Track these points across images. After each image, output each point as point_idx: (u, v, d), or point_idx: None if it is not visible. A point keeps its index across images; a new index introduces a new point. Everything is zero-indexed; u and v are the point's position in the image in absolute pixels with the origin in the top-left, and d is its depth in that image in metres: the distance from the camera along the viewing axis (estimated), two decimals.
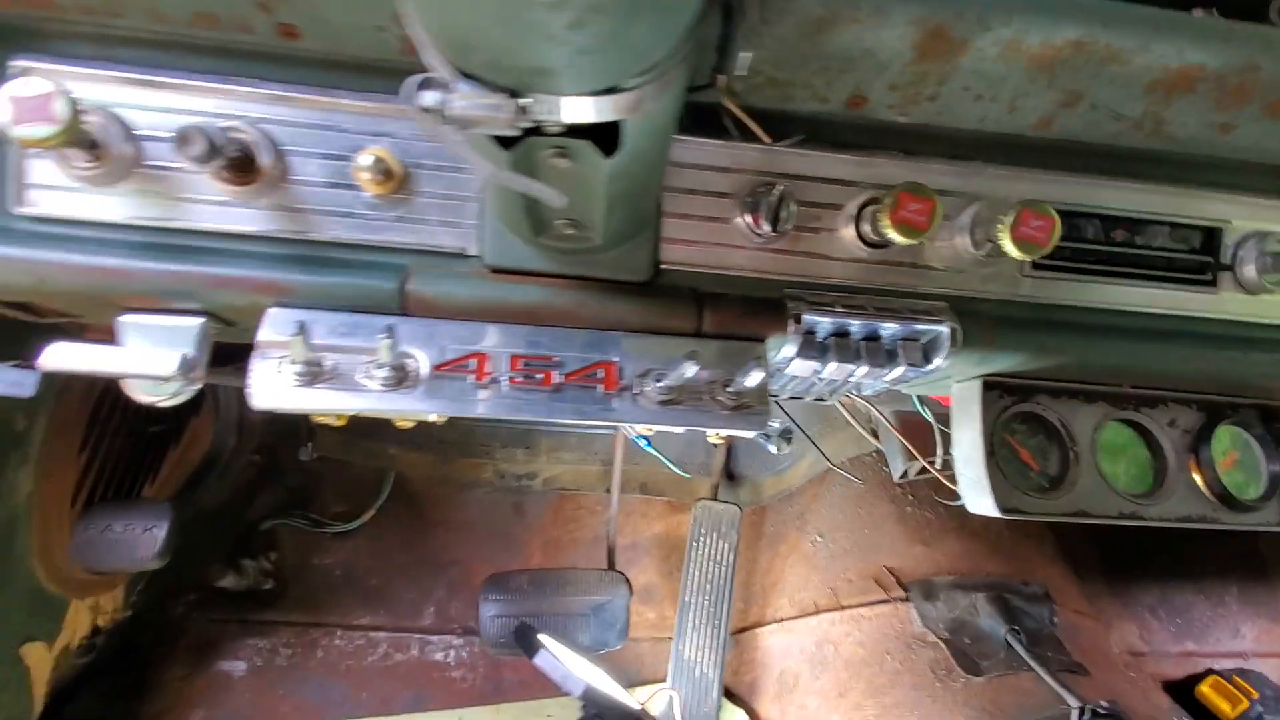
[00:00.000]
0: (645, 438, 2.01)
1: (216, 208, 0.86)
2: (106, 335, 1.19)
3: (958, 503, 1.42)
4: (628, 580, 1.64)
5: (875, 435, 1.97)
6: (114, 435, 1.59)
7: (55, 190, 0.84)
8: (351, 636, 1.98)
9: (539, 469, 2.26)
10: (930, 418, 1.36)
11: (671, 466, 2.16)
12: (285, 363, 0.83)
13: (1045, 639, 1.68)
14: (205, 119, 0.81)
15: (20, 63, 0.81)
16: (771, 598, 2.02)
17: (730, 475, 2.28)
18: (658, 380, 0.90)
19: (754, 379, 0.88)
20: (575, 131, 0.59)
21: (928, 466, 1.38)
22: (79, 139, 0.78)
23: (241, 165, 0.84)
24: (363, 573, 2.08)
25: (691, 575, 1.96)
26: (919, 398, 1.41)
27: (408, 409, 0.85)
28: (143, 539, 1.38)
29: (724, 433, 0.92)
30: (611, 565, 1.76)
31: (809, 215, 0.98)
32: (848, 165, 0.97)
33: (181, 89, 0.84)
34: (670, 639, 2.04)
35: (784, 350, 0.98)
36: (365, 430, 2.18)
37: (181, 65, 0.84)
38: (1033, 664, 1.52)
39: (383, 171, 0.86)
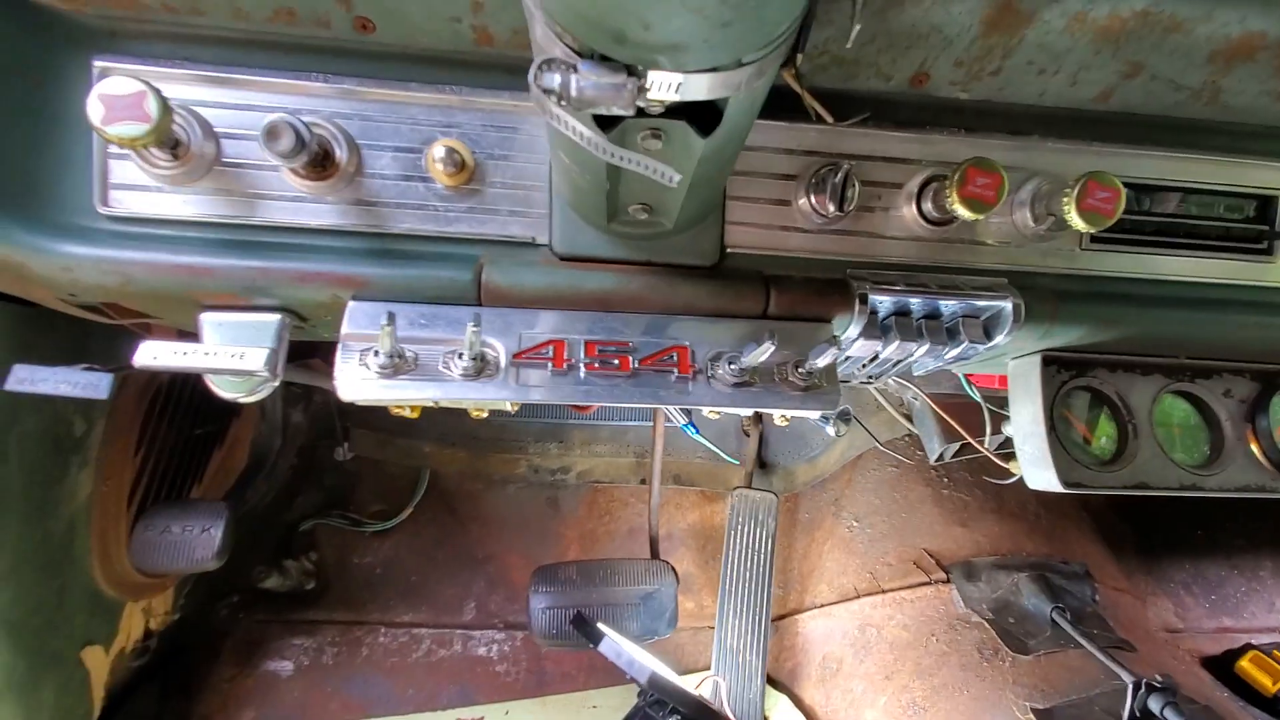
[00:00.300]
0: (694, 425, 2.03)
1: (293, 203, 0.87)
2: (169, 336, 1.21)
3: (1009, 481, 1.43)
4: (674, 569, 1.65)
5: (908, 418, 1.98)
6: (165, 437, 1.60)
7: (137, 190, 0.85)
8: (395, 634, 1.99)
9: (572, 463, 2.27)
10: (978, 397, 1.37)
11: (720, 453, 2.16)
12: (369, 355, 0.84)
13: (1089, 616, 1.69)
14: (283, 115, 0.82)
15: (102, 63, 0.82)
16: (810, 584, 2.03)
17: (762, 463, 2.29)
18: (730, 363, 0.91)
19: (826, 359, 0.89)
20: (673, 111, 0.61)
21: (978, 445, 1.39)
22: (166, 137, 0.79)
23: (319, 160, 0.85)
24: (402, 570, 2.10)
25: (731, 564, 1.97)
26: (965, 377, 1.42)
27: (489, 397, 0.86)
28: (200, 539, 1.39)
29: (795, 414, 0.93)
30: (655, 555, 1.77)
31: (869, 195, 0.99)
32: (909, 144, 0.98)
33: (257, 85, 0.86)
34: (709, 628, 2.06)
35: (849, 331, 1.00)
36: (400, 428, 2.20)
37: (257, 62, 0.85)
38: (1083, 641, 1.53)
39: (456, 163, 0.87)
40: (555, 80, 0.53)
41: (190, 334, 1.11)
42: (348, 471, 2.17)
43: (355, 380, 0.84)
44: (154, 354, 0.78)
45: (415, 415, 0.94)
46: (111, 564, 1.52)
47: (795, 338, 0.96)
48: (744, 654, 1.88)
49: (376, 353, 0.83)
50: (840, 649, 1.84)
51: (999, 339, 1.01)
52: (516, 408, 0.97)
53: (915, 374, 1.29)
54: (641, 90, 0.54)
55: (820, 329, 0.97)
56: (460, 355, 0.85)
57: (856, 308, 0.96)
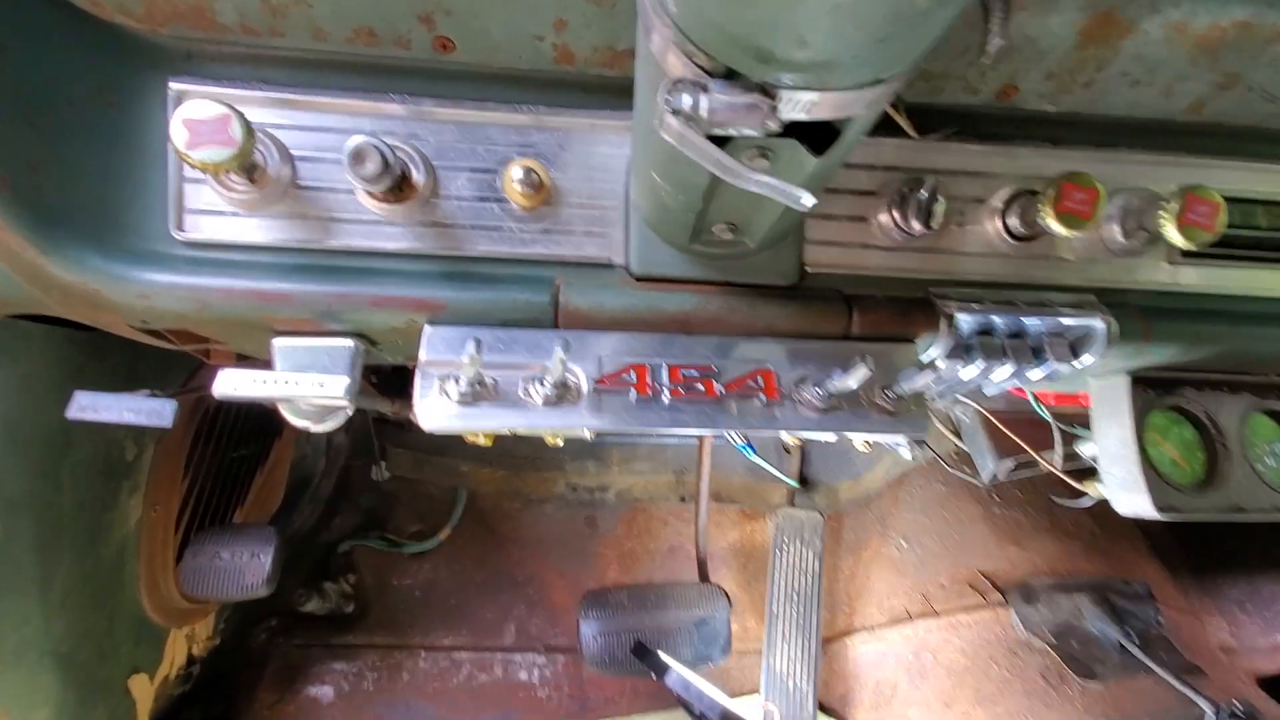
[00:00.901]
0: (751, 445, 1.99)
1: (368, 226, 0.86)
2: (228, 360, 1.19)
3: (1084, 504, 1.38)
4: (725, 593, 1.61)
5: (956, 434, 1.94)
6: (210, 460, 1.59)
7: (213, 215, 0.83)
8: (435, 658, 1.96)
9: (611, 481, 2.24)
10: (1047, 415, 1.33)
11: (776, 472, 2.11)
12: (449, 382, 0.82)
13: (1155, 640, 1.63)
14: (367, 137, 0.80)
15: (179, 85, 0.81)
16: (858, 605, 1.98)
17: (803, 480, 2.24)
18: (817, 386, 0.88)
19: (919, 383, 0.85)
20: (787, 130, 0.58)
21: (1050, 466, 1.34)
22: (248, 162, 0.77)
23: (397, 183, 0.83)
24: (441, 592, 2.07)
25: (777, 585, 1.93)
26: (1033, 394, 1.38)
27: (573, 425, 0.83)
28: (250, 565, 1.37)
29: (883, 439, 0.89)
30: (704, 578, 1.73)
31: (950, 210, 0.96)
32: (992, 158, 0.95)
33: (333, 107, 0.84)
34: (755, 651, 2.01)
35: (933, 351, 0.96)
36: (436, 447, 2.17)
37: (334, 84, 0.84)
38: (1155, 668, 1.47)
39: (534, 183, 0.85)
40: (686, 101, 0.50)
41: (249, 358, 1.10)
42: (385, 491, 2.15)
43: (437, 410, 0.81)
44: (234, 384, 0.76)
45: (489, 443, 0.92)
46: (158, 590, 1.50)
47: (878, 359, 0.93)
48: (793, 679, 1.83)
49: (457, 380, 0.81)
50: (894, 674, 1.79)
51: (1088, 358, 0.98)
52: (593, 434, 0.95)
53: (987, 393, 1.26)
54: (774, 110, 0.51)
55: (903, 350, 0.94)
56: (541, 381, 0.83)
57: (943, 327, 0.93)
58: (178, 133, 0.71)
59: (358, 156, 0.74)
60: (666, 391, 0.85)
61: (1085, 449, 1.32)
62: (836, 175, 0.93)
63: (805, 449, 2.23)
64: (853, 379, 0.82)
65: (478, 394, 0.82)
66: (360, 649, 1.93)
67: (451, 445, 2.16)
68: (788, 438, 2.09)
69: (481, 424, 0.81)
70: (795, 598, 1.90)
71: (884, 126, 0.92)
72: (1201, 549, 2.28)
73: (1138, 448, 1.01)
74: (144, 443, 1.36)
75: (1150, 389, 1.06)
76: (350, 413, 0.87)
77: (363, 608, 2.01)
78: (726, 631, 1.57)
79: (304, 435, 1.82)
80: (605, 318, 0.88)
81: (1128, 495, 1.04)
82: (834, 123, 0.60)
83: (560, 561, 2.16)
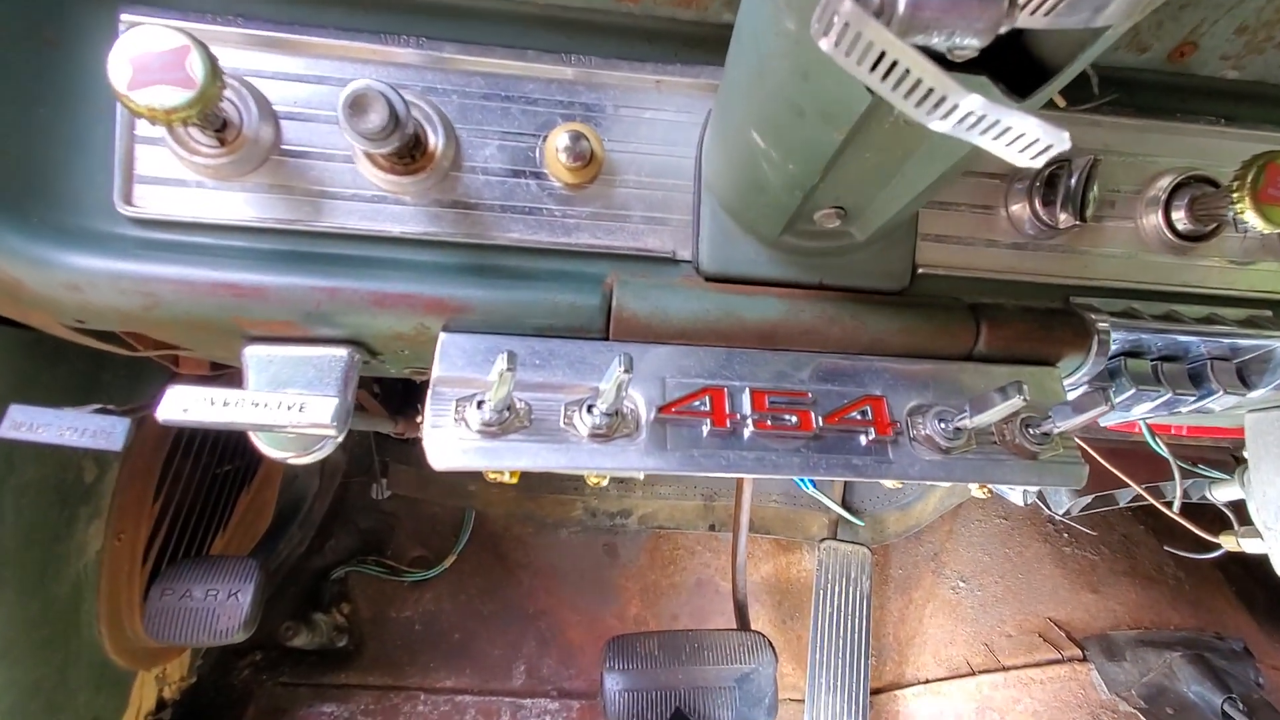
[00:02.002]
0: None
1: (371, 205, 0.67)
2: (201, 369, 1.01)
3: (1212, 555, 1.18)
4: (771, 644, 1.41)
5: None
6: (187, 480, 1.40)
7: (171, 185, 0.65)
8: (436, 701, 1.76)
9: (633, 506, 2.04)
10: (1164, 451, 1.13)
11: (830, 503, 1.90)
12: (469, 407, 0.63)
13: (1260, 706, 1.42)
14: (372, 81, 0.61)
15: (132, 18, 0.63)
16: (909, 653, 1.77)
17: (847, 509, 2.04)
18: (941, 420, 0.68)
19: (1080, 419, 0.65)
20: (978, 61, 0.39)
21: (1165, 510, 1.14)
22: (212, 113, 0.59)
23: (408, 148, 0.64)
24: (444, 626, 1.87)
25: (821, 628, 1.72)
26: (1146, 424, 1.18)
27: (628, 466, 0.64)
28: (226, 606, 1.17)
29: (1028, 491, 0.70)
30: (744, 624, 1.53)
31: (1100, 201, 0.77)
32: (1154, 135, 0.76)
33: (329, 50, 0.66)
34: (794, 700, 1.80)
35: (1078, 375, 0.77)
36: None
37: (330, 20, 0.66)
38: None
39: (582, 154, 0.66)
40: None
41: (226, 367, 0.90)
42: (384, 512, 1.96)
43: (451, 443, 0.62)
44: (184, 406, 0.57)
45: (514, 480, 0.73)
46: (122, 630, 1.31)
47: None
48: None
49: (481, 404, 0.62)
50: None
51: (1264, 389, 0.78)
52: (646, 475, 0.75)
53: (1104, 424, 1.06)
54: (1013, 5, 0.33)
55: (1042, 375, 0.75)
56: (589, 408, 0.63)
57: (1094, 346, 0.74)
58: (118, 69, 0.53)
59: (357, 105, 0.55)
60: (750, 424, 0.66)
61: (1220, 494, 1.13)
62: None
63: None
64: (999, 410, 0.63)
65: (506, 423, 0.63)
66: (353, 689, 1.73)
67: None
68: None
69: (510, 462, 0.62)
70: (840, 643, 1.69)
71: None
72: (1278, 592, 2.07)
73: None
74: (106, 463, 1.17)
75: None
76: (340, 440, 0.68)
77: (357, 642, 1.81)
78: (773, 690, 1.36)
79: None
80: (670, 327, 0.69)
81: None
82: (1040, 54, 0.42)
83: (576, 594, 1.95)
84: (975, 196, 0.76)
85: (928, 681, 1.68)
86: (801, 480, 1.70)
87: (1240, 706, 1.36)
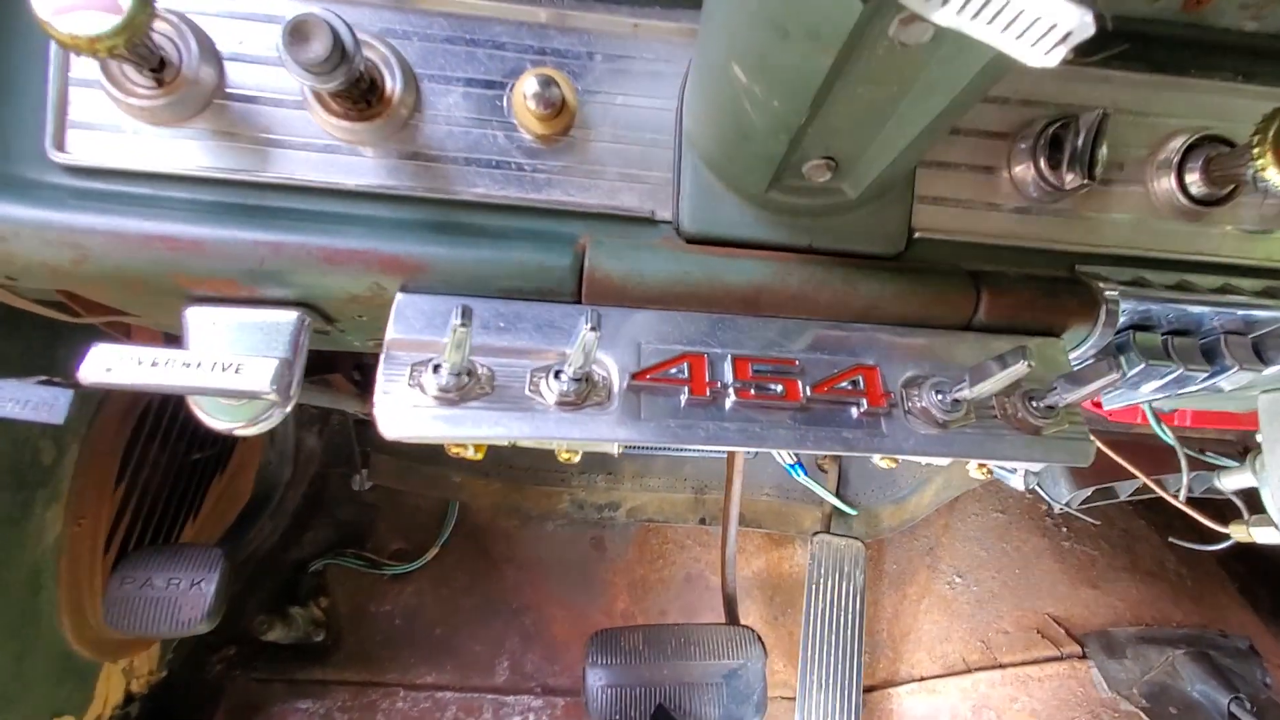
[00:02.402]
0: (802, 464, 1.74)
1: (322, 155, 0.62)
2: (156, 341, 0.95)
3: (1221, 547, 1.14)
4: (760, 638, 1.36)
5: None
6: (153, 466, 1.34)
7: (105, 131, 0.60)
8: (415, 697, 1.71)
9: (622, 498, 1.99)
10: (1172, 439, 1.09)
11: (825, 493, 1.84)
12: (426, 371, 0.58)
13: (1267, 706, 1.38)
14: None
15: None
16: (904, 650, 1.73)
17: (841, 502, 1.99)
18: (938, 391, 0.63)
19: (1083, 390, 0.61)
20: None
21: (1173, 500, 1.10)
22: (143, 47, 0.54)
23: (363, 92, 0.59)
24: (425, 621, 1.82)
25: (813, 624, 1.67)
26: (1151, 409, 1.13)
27: (598, 436, 0.59)
28: (189, 596, 1.12)
29: (1027, 475, 0.65)
30: (733, 619, 1.48)
31: (1109, 163, 0.72)
32: (1166, 92, 0.72)
33: None
34: (785, 698, 1.76)
35: (1084, 348, 0.72)
36: (425, 455, 1.92)
37: None
38: None
39: (553, 102, 0.61)
40: None
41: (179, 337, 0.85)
42: (365, 503, 1.90)
43: (405, 409, 0.57)
44: (107, 365, 0.52)
45: (479, 456, 0.68)
46: (84, 620, 1.25)
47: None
48: None
49: (438, 367, 0.57)
50: None
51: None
52: (621, 450, 0.71)
53: (1106, 406, 1.01)
54: None
55: (1046, 346, 0.70)
56: (557, 373, 0.58)
57: (1102, 317, 0.69)
58: None
59: (298, 32, 0.50)
60: (732, 393, 0.61)
61: (1229, 482, 1.08)
62: None
63: (842, 465, 1.98)
64: (1004, 379, 0.58)
65: (466, 389, 0.58)
66: (330, 685, 1.68)
67: (443, 452, 1.91)
68: (881, 461, 1.85)
69: (470, 431, 0.57)
70: (833, 639, 1.64)
71: None
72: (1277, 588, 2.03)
73: None
74: (65, 443, 1.12)
75: None
76: (287, 410, 0.63)
77: (334, 637, 1.76)
78: (761, 686, 1.32)
79: (270, 439, 1.58)
80: (646, 290, 0.64)
81: None
82: None
83: (562, 588, 1.90)
84: (976, 156, 0.71)
85: (922, 679, 1.63)
86: (792, 468, 1.66)
87: (1248, 707, 1.31)
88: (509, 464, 1.97)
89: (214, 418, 0.63)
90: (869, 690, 1.72)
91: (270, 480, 1.57)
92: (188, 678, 1.61)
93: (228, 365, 0.54)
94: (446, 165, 0.63)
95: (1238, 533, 1.02)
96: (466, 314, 0.50)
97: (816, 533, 1.79)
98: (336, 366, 1.40)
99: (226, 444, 1.55)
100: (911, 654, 1.70)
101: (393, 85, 0.61)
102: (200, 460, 1.48)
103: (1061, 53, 0.30)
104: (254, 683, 1.67)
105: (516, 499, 1.96)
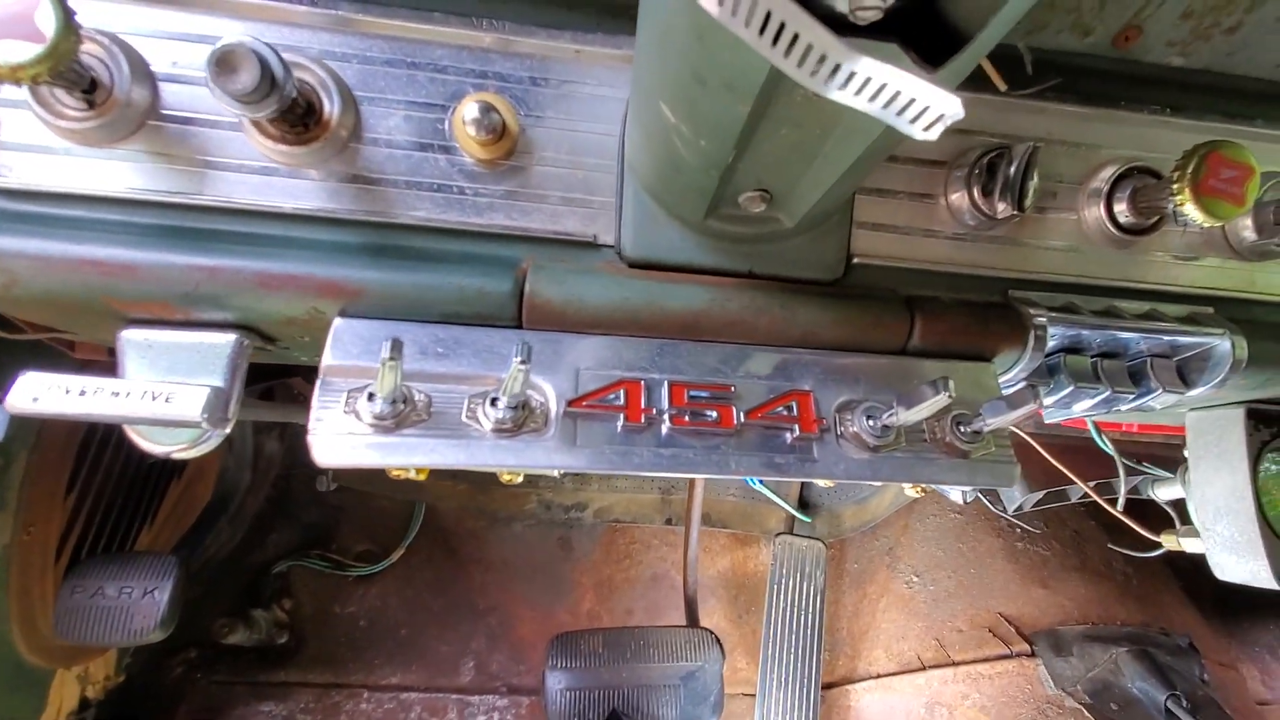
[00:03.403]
0: None
1: (260, 178, 0.61)
2: (100, 355, 0.94)
3: (1155, 554, 1.18)
4: (718, 640, 1.38)
5: None
6: (106, 472, 1.32)
7: (35, 153, 0.59)
8: (379, 698, 1.71)
9: (589, 499, 2.00)
10: (1110, 448, 1.12)
11: (779, 500, 1.88)
12: (360, 399, 0.58)
13: (1203, 703, 1.44)
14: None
15: None
16: (862, 648, 1.76)
17: (803, 504, 2.03)
18: (869, 417, 0.65)
19: (1009, 416, 0.63)
20: (889, 28, 0.35)
21: (1111, 510, 1.14)
22: (71, 71, 0.53)
23: (299, 116, 0.59)
24: (390, 622, 1.82)
25: (774, 623, 1.70)
26: (1093, 420, 1.17)
27: (533, 464, 0.59)
28: (141, 605, 1.11)
29: (965, 490, 0.67)
30: (694, 621, 1.50)
31: (1041, 192, 0.74)
32: (1097, 124, 0.74)
33: (213, 6, 0.60)
34: (745, 695, 1.79)
35: (1014, 372, 0.74)
36: None
37: None
38: None
39: (493, 127, 0.61)
40: None
41: None
42: (330, 505, 1.89)
43: (340, 437, 0.57)
44: (34, 394, 0.52)
45: (422, 477, 0.68)
46: (36, 628, 1.23)
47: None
48: None
49: (372, 396, 0.57)
50: None
51: (1203, 387, 0.76)
52: (562, 474, 0.71)
53: (1047, 420, 1.04)
54: None
55: (977, 371, 0.72)
56: (494, 401, 0.59)
57: (1030, 342, 0.71)
58: None
59: (225, 63, 0.50)
60: (667, 419, 0.62)
61: (1163, 493, 1.12)
62: None
63: None
64: (928, 408, 0.60)
65: (402, 416, 0.58)
66: (293, 687, 1.67)
67: None
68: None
69: (405, 459, 0.57)
70: (793, 638, 1.68)
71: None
72: (1229, 587, 2.10)
73: (1254, 500, 0.80)
74: (12, 452, 1.10)
75: (1264, 425, 0.85)
76: (226, 432, 0.63)
77: (298, 639, 1.75)
78: (718, 687, 1.34)
79: (228, 444, 1.56)
80: (587, 315, 0.65)
81: (1234, 558, 0.83)
82: (953, 21, 0.38)
83: (529, 589, 1.91)
84: (914, 184, 0.73)
85: (879, 676, 1.67)
86: (750, 477, 1.67)
87: (1184, 704, 1.37)
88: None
89: (151, 442, 0.63)
90: (828, 687, 1.76)
91: (229, 486, 1.55)
92: (147, 682, 1.60)
93: (158, 394, 0.54)
94: (387, 188, 0.63)
95: (1169, 542, 1.06)
96: (396, 347, 0.51)
97: (779, 533, 1.82)
98: (296, 370, 1.39)
99: None
100: (870, 651, 1.74)
101: (331, 108, 0.61)
102: (156, 466, 1.46)
103: (939, 129, 0.31)
104: (215, 686, 1.66)
105: (483, 500, 1.96)
